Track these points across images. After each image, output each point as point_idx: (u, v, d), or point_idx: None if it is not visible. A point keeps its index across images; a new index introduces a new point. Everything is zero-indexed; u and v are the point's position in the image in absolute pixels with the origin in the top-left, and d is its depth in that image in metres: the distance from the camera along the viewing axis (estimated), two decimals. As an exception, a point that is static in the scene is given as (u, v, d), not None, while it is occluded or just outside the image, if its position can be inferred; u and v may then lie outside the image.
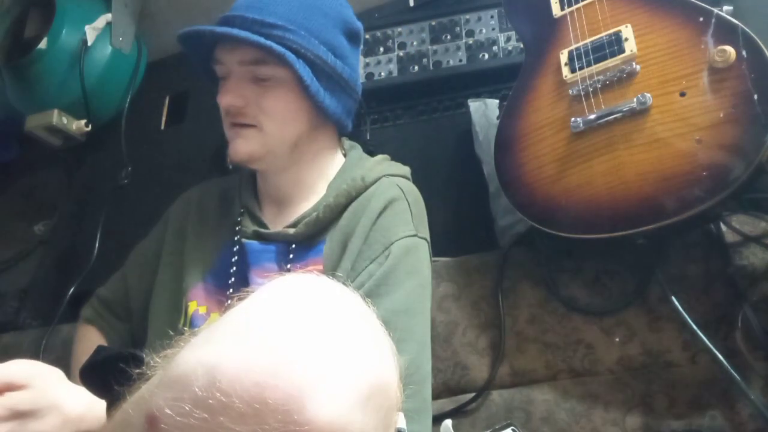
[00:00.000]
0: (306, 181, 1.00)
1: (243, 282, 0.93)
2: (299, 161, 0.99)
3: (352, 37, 0.99)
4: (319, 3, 0.95)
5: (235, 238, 0.98)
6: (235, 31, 0.89)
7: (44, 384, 0.71)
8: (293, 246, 0.94)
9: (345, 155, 1.06)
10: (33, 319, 1.41)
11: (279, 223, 0.98)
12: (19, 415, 0.68)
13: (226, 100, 0.93)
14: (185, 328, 0.91)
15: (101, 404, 0.58)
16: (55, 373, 0.74)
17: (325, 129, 1.01)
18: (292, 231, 0.94)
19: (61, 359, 1.09)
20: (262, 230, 0.97)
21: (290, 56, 0.89)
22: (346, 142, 1.09)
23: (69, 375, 0.77)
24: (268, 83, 0.92)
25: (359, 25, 1.02)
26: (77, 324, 1.12)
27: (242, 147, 0.94)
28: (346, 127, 1.04)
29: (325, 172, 1.01)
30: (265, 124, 0.93)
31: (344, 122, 1.01)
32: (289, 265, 0.92)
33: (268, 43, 0.88)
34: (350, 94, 1.00)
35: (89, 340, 1.07)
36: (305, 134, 0.97)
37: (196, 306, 0.94)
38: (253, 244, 0.96)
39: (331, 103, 0.95)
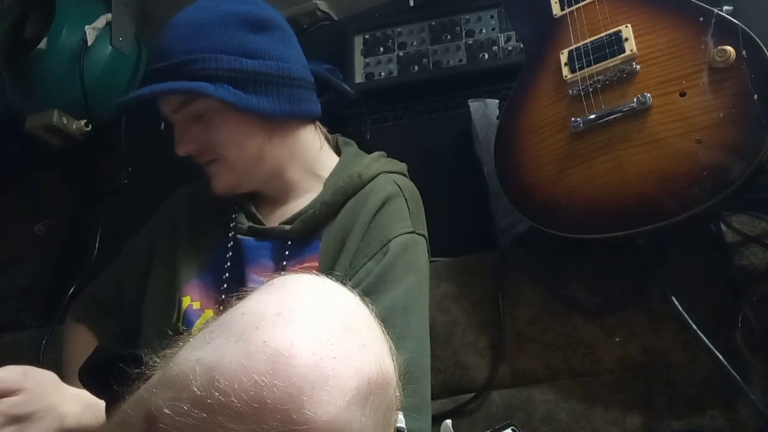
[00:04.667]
0: (295, 180, 1.00)
1: (238, 278, 0.93)
2: (278, 167, 0.98)
3: (259, 26, 0.94)
4: (210, 18, 0.93)
5: (230, 234, 0.97)
6: (145, 90, 0.90)
7: (38, 387, 0.71)
8: (289, 243, 0.94)
9: (339, 152, 1.06)
10: (33, 319, 1.41)
11: (275, 220, 0.98)
12: (16, 420, 0.68)
13: (179, 150, 0.96)
14: (180, 325, 0.91)
15: (99, 404, 0.58)
16: (48, 376, 0.74)
17: (288, 127, 0.98)
18: (288, 227, 0.94)
19: (61, 359, 1.09)
20: (258, 226, 0.97)
21: (202, 86, 0.88)
22: (340, 139, 1.09)
23: (61, 376, 0.77)
24: (206, 116, 0.93)
25: (260, 10, 0.96)
26: (66, 323, 1.11)
27: (218, 182, 0.97)
28: (310, 114, 1.01)
29: (313, 168, 1.01)
30: (224, 154, 0.94)
31: (302, 112, 0.98)
32: (285, 262, 0.92)
33: (175, 85, 0.89)
34: (289, 82, 0.95)
35: (81, 339, 1.06)
36: (267, 142, 0.95)
37: (189, 301, 0.93)
38: (249, 240, 0.96)
39: (270, 104, 0.93)
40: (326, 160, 1.03)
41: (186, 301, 0.93)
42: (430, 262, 0.99)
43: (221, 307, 0.88)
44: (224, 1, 0.95)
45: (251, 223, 0.98)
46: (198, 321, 0.91)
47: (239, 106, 0.90)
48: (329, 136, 1.08)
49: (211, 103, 0.91)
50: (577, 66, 0.99)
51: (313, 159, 1.01)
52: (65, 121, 1.49)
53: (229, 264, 0.95)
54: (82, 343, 1.05)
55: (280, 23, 0.99)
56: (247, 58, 0.91)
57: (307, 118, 1.01)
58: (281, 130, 0.97)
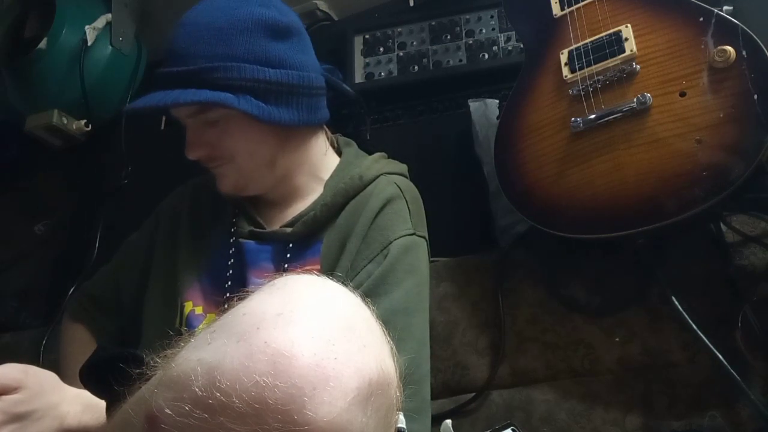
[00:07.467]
0: (299, 184, 0.99)
1: (240, 282, 0.93)
2: (286, 173, 0.98)
3: (281, 34, 0.92)
4: (231, 21, 0.89)
5: (231, 240, 0.97)
6: (167, 99, 0.86)
7: (39, 386, 0.71)
8: (290, 245, 0.93)
9: (340, 152, 1.06)
10: (33, 319, 1.41)
11: (275, 223, 0.98)
12: (16, 418, 0.68)
13: (190, 155, 0.93)
14: (183, 330, 0.90)
15: (100, 404, 0.58)
16: (49, 375, 0.74)
17: (301, 134, 0.98)
18: (289, 230, 0.94)
19: (59, 359, 1.09)
20: (259, 230, 0.97)
21: (226, 97, 0.86)
22: (341, 139, 1.08)
23: (60, 375, 0.76)
24: (222, 123, 0.90)
25: (282, 16, 0.93)
26: (63, 321, 1.11)
27: (225, 182, 0.96)
28: (323, 121, 1.00)
29: (317, 172, 1.00)
30: (236, 159, 0.93)
31: (314, 119, 0.97)
32: (286, 265, 0.92)
33: (198, 96, 0.85)
34: (308, 92, 0.94)
35: (78, 338, 1.06)
36: (279, 149, 0.95)
37: (191, 306, 0.93)
38: (250, 243, 0.96)
39: (289, 115, 0.92)
40: (328, 161, 1.03)
41: (188, 306, 0.93)
42: (430, 262, 0.99)
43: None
44: (244, 2, 0.92)
45: (252, 227, 0.97)
46: (200, 326, 0.91)
47: (261, 117, 0.88)
48: (331, 136, 1.08)
49: (229, 111, 0.88)
50: (577, 66, 0.99)
51: (319, 162, 1.01)
52: (65, 121, 1.49)
53: (231, 269, 0.95)
54: (79, 342, 1.05)
55: (299, 28, 0.97)
56: (269, 67, 0.89)
57: (319, 125, 1.02)
58: (295, 138, 0.96)
